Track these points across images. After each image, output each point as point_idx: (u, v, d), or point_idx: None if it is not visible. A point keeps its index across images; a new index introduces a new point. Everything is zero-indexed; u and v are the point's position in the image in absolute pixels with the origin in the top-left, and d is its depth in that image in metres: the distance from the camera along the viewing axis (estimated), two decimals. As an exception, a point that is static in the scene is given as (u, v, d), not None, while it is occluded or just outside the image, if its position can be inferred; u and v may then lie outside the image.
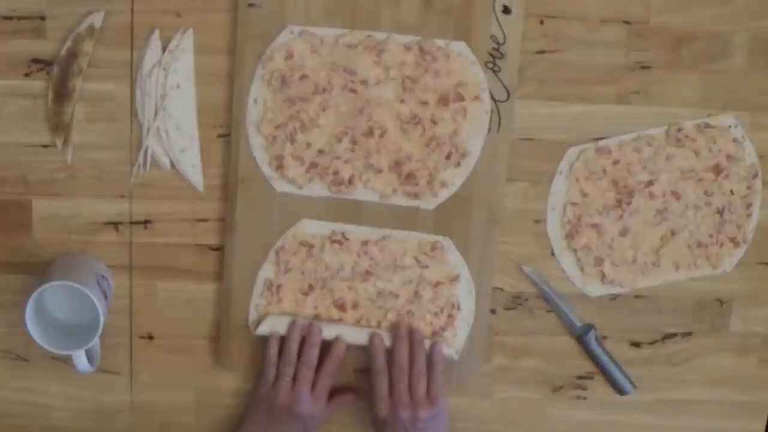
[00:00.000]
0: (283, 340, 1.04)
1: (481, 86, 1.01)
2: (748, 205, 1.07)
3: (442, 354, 1.04)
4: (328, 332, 1.04)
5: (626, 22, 1.02)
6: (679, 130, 1.05)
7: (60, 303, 1.01)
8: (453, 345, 1.06)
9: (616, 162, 1.05)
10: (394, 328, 1.05)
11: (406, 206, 1.03)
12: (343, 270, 1.04)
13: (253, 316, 1.05)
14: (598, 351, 1.09)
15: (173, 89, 0.99)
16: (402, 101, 1.00)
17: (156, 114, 0.99)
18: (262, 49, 0.98)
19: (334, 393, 1.06)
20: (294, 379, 1.03)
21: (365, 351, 1.05)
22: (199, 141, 1.01)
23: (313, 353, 1.03)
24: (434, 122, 1.01)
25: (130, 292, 1.05)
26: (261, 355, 1.05)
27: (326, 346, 1.04)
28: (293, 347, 1.03)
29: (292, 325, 1.03)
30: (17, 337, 1.04)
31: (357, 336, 1.04)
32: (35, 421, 1.08)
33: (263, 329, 1.04)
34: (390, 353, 1.04)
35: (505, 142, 1.02)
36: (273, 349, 1.04)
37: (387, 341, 1.04)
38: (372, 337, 1.04)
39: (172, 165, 1.02)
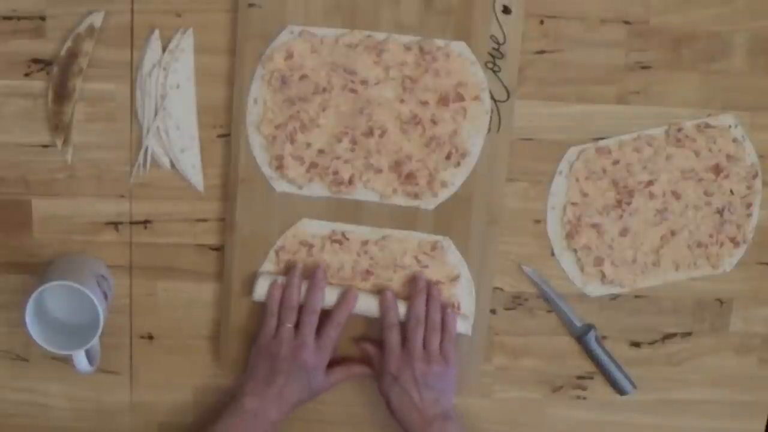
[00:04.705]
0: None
1: (481, 86, 1.01)
2: (748, 205, 1.07)
3: (456, 318, 1.03)
4: (331, 298, 1.02)
5: (626, 22, 1.01)
6: (679, 130, 1.05)
7: (60, 303, 1.01)
8: (468, 319, 1.05)
9: (616, 162, 1.05)
10: (412, 281, 1.03)
11: (406, 206, 1.03)
12: (343, 270, 1.04)
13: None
14: (598, 351, 1.09)
15: (173, 89, 0.99)
16: (402, 101, 1.00)
17: (156, 114, 0.99)
18: (262, 49, 0.98)
19: (342, 363, 1.04)
20: (297, 326, 0.99)
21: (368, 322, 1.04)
22: (199, 141, 1.01)
23: (316, 298, 1.00)
24: (434, 122, 1.01)
25: (130, 292, 1.05)
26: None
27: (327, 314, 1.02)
28: (294, 292, 1.00)
29: (292, 270, 1.01)
30: (17, 337, 1.04)
31: (363, 304, 1.03)
32: (35, 421, 1.08)
33: (260, 292, 1.01)
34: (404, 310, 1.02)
35: (505, 142, 1.02)
36: (275, 297, 1.00)
37: (401, 310, 1.02)
38: (383, 293, 1.02)
39: (172, 165, 1.02)
